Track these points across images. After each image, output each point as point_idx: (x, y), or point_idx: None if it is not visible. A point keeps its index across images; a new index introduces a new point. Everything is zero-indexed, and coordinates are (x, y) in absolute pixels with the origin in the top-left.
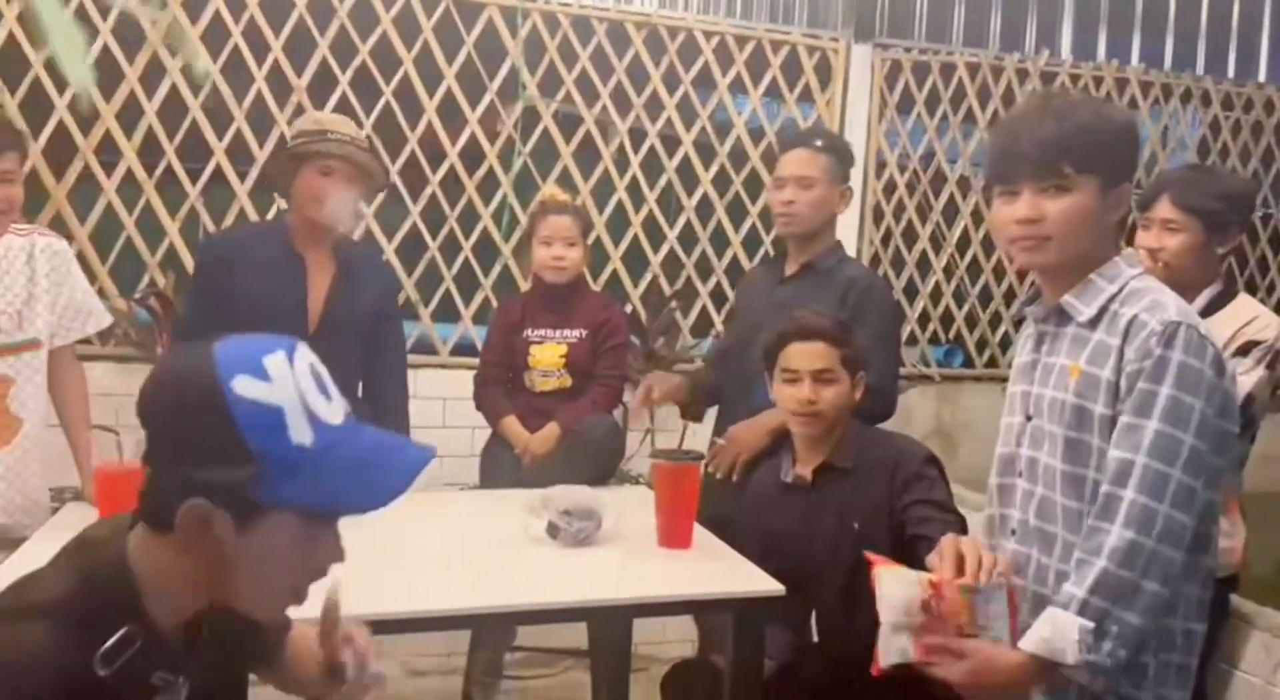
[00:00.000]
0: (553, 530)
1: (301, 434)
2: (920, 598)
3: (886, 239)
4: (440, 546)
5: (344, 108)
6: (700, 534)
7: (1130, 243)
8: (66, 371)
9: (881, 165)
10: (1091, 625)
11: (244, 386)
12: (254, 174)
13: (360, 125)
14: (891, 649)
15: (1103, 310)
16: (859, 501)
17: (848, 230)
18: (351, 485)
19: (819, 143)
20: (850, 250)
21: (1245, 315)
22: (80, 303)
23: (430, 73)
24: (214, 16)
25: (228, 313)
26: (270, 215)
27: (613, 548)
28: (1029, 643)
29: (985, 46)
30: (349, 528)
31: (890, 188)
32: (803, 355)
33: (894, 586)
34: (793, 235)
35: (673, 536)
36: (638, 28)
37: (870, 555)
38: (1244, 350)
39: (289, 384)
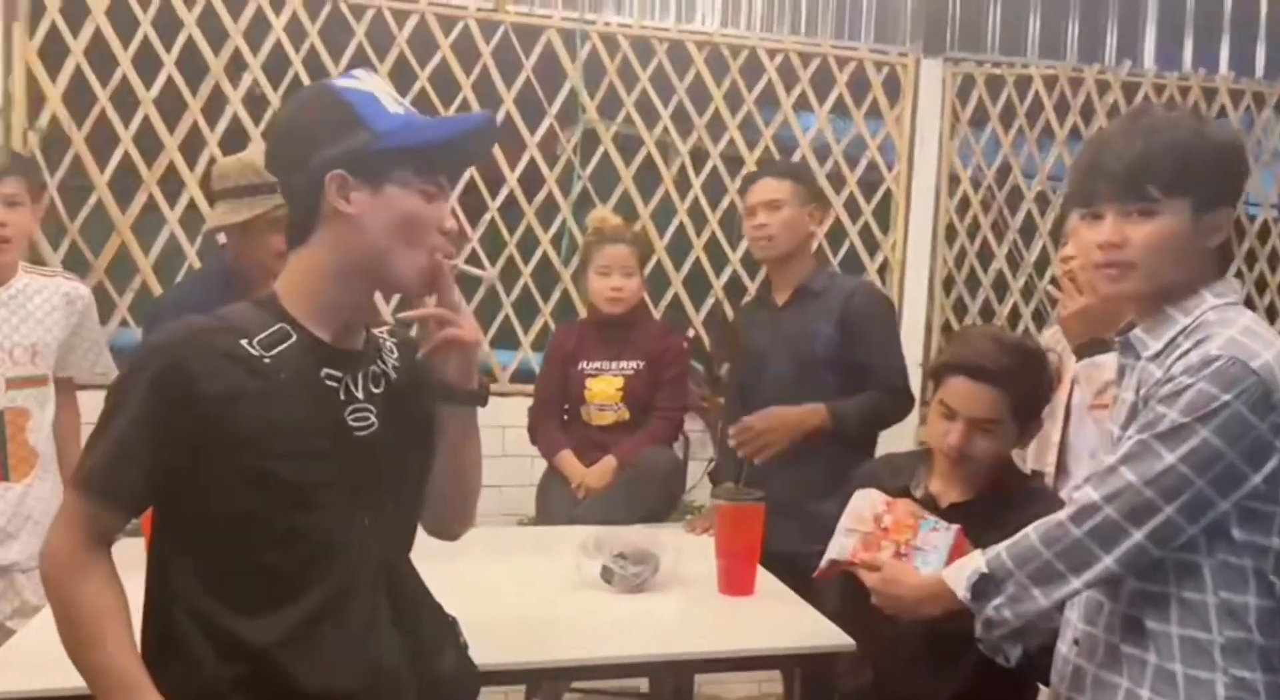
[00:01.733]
0: (607, 575)
1: (393, 106)
2: (875, 510)
3: (960, 259)
4: (491, 591)
5: None
6: (764, 578)
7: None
8: (65, 406)
9: (954, 182)
10: (986, 571)
11: (344, 83)
12: None
13: None
14: (835, 546)
15: (1170, 344)
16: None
17: (919, 250)
18: (440, 128)
19: (781, 170)
20: (923, 271)
21: None
22: (89, 348)
23: (489, 97)
24: (275, 45)
25: None
26: None
27: (670, 594)
28: (945, 570)
29: (1062, 58)
30: None
31: (964, 206)
32: (964, 397)
33: (861, 500)
34: (771, 258)
35: (734, 582)
36: (699, 47)
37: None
38: None
39: (372, 82)
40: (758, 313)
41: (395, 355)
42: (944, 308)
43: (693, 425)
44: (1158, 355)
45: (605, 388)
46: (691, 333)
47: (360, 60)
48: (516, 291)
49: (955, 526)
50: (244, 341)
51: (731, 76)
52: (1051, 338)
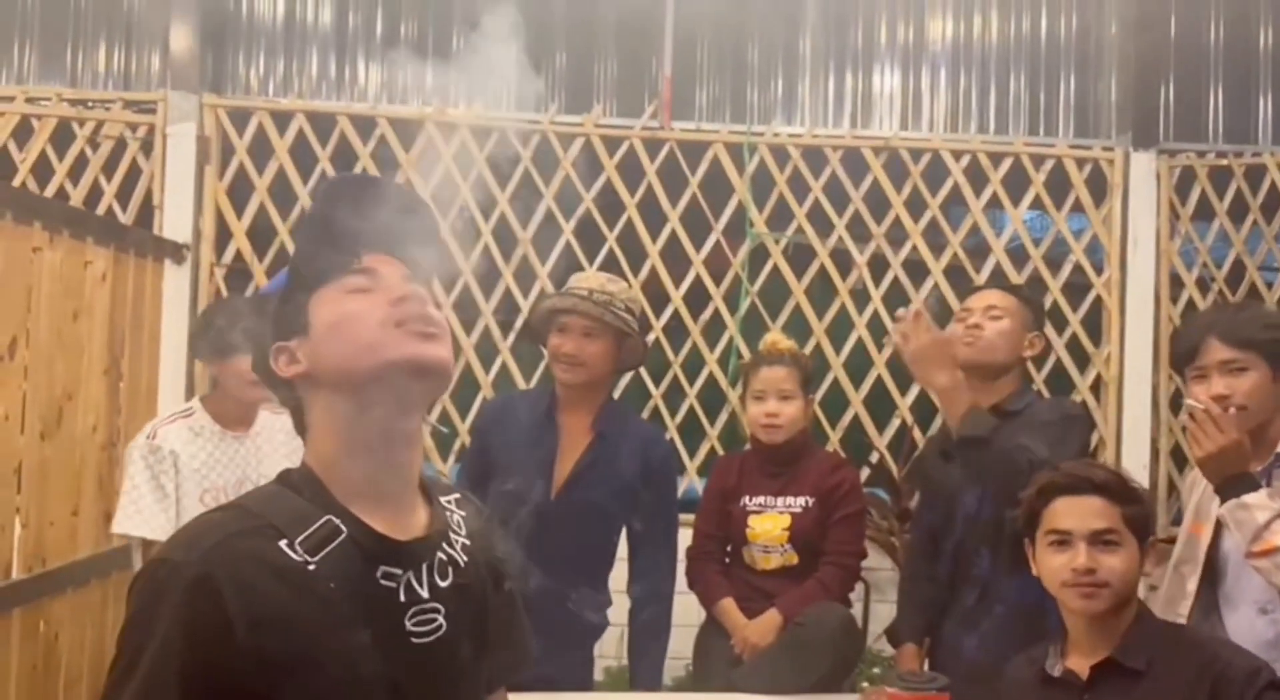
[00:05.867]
0: None
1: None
2: None
3: None
4: None
5: (567, 257)
6: None
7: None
8: None
9: (1177, 285)
10: None
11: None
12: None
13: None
14: None
15: None
16: None
17: (1139, 367)
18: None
19: (1009, 287)
20: (1144, 388)
21: None
22: None
23: (653, 215)
24: (444, 175)
25: (489, 473)
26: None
27: None
28: None
29: None
30: None
31: (1190, 311)
32: (1074, 513)
33: None
34: (974, 363)
35: None
36: (876, 153)
37: None
38: None
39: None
40: (949, 437)
41: (464, 531)
42: (1172, 430)
43: (881, 562)
44: None
45: (770, 527)
46: (875, 457)
47: (526, 183)
48: (681, 415)
49: None
50: (284, 544)
51: (913, 181)
52: (1193, 481)
